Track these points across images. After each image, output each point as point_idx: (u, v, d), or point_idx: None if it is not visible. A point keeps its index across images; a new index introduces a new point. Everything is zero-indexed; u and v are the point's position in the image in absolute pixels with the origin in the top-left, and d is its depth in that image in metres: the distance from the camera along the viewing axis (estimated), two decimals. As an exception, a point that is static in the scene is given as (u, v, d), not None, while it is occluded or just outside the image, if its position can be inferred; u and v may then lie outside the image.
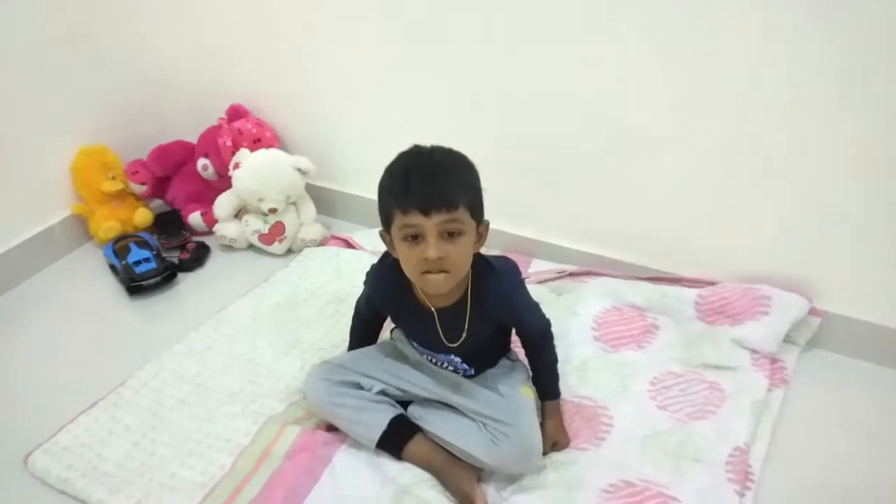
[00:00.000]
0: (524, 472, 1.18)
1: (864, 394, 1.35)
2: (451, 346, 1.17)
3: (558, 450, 1.22)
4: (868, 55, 1.18)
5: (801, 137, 1.30)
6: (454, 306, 1.14)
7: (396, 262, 1.10)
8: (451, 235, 1.02)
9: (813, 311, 1.41)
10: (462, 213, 1.02)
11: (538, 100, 1.50)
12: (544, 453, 1.19)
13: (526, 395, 1.20)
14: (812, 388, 1.36)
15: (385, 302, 1.22)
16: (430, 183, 1.01)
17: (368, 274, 1.23)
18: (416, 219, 1.00)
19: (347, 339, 1.35)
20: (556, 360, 1.25)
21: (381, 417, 1.19)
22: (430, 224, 1.00)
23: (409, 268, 1.06)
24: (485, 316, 1.14)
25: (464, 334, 1.15)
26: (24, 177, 1.71)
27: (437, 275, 1.04)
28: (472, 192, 1.06)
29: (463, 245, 1.04)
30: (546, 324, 1.22)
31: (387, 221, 1.06)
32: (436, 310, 1.14)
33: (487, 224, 1.10)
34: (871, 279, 1.36)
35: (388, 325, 1.33)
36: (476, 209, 1.06)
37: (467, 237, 1.04)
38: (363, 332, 1.33)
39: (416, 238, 1.03)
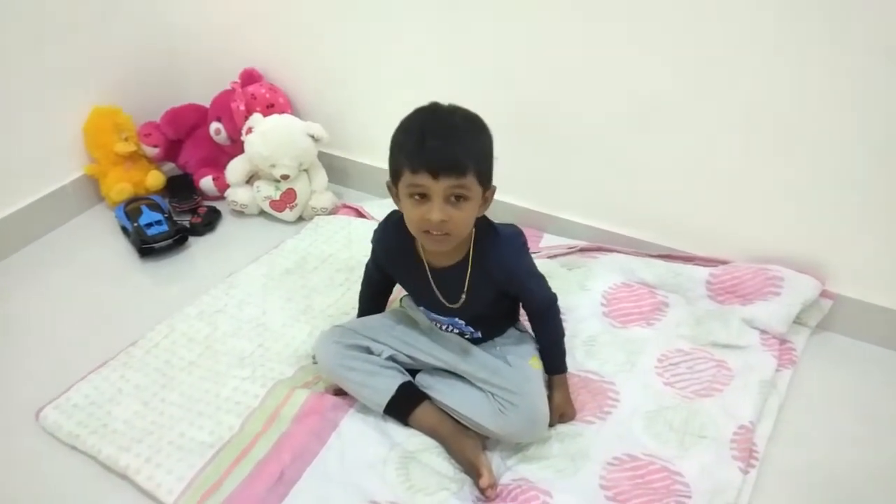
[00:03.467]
0: (530, 442, 1.18)
1: (873, 377, 1.34)
2: (452, 307, 1.17)
3: (565, 422, 1.23)
4: (888, 33, 1.16)
5: (817, 119, 1.28)
6: (455, 266, 1.14)
7: (402, 219, 1.10)
8: (457, 199, 1.02)
9: (825, 294, 1.40)
10: (470, 180, 1.02)
11: (554, 74, 1.48)
12: (551, 425, 1.19)
13: (534, 366, 1.21)
14: (820, 370, 1.35)
15: (389, 258, 1.23)
16: (443, 146, 1.00)
17: (375, 230, 1.24)
18: (425, 180, 1.00)
19: (357, 307, 1.36)
20: (562, 335, 1.25)
21: (389, 383, 1.20)
22: (438, 187, 1.01)
23: (412, 224, 1.07)
24: (485, 278, 1.14)
25: (463, 296, 1.15)
26: (38, 136, 1.71)
27: (438, 235, 1.05)
28: (483, 160, 1.05)
29: (467, 210, 1.04)
30: (551, 297, 1.22)
31: (395, 175, 1.06)
32: (437, 269, 1.15)
33: (494, 189, 1.10)
34: (885, 263, 1.35)
35: (398, 293, 1.33)
36: (485, 176, 1.06)
37: (472, 202, 1.04)
38: (372, 297, 1.33)
39: (422, 197, 1.03)
